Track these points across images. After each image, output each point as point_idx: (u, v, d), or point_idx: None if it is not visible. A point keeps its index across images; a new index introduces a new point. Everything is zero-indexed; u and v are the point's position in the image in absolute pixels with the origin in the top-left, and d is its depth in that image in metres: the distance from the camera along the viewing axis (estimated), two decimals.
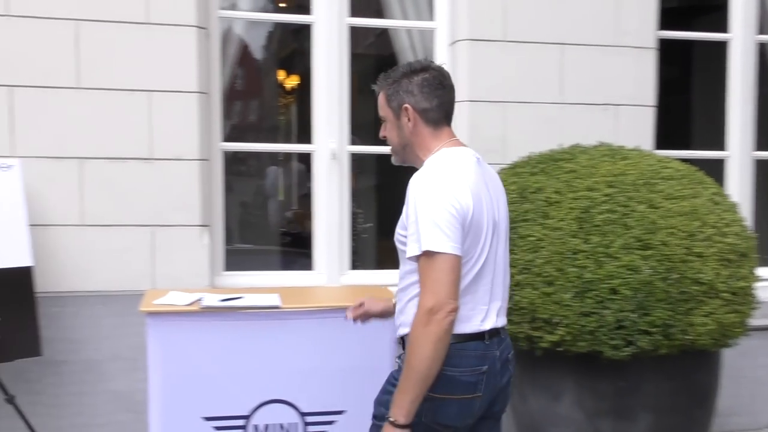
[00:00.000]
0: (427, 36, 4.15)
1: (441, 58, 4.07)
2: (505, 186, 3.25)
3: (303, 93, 6.45)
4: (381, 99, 2.20)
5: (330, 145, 3.95)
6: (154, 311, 2.90)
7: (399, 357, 2.20)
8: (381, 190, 5.43)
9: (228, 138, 4.01)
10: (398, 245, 2.14)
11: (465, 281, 2.04)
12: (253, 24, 4.18)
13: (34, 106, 3.46)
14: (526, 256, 2.95)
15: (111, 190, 3.57)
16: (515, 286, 2.94)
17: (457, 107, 3.88)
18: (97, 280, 3.56)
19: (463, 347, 2.05)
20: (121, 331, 3.58)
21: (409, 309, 2.10)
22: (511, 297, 2.89)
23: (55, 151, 3.49)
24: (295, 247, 6.11)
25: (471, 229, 2.00)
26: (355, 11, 3.99)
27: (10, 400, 3.16)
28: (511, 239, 3.01)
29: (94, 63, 3.49)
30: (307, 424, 3.05)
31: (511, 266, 2.95)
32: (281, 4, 5.04)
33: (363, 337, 3.04)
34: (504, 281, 2.22)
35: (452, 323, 1.95)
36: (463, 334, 2.05)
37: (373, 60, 5.78)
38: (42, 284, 3.35)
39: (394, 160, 2.29)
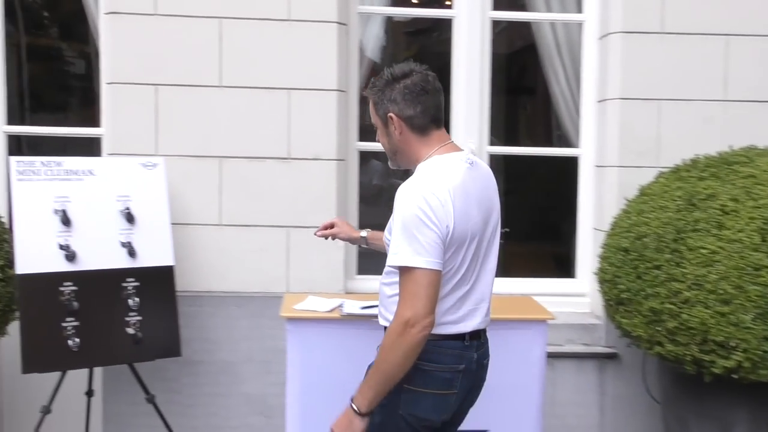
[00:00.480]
0: (573, 29, 3.88)
1: (589, 52, 3.80)
2: (668, 191, 3.00)
3: None
4: (370, 106, 2.20)
5: (469, 146, 3.76)
6: (295, 317, 2.81)
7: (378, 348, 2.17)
8: (518, 194, 5.18)
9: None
10: (386, 243, 2.16)
11: (447, 287, 2.08)
12: (385, 19, 4.03)
13: (178, 104, 3.46)
14: (696, 271, 2.64)
15: (248, 190, 3.53)
16: (683, 303, 2.65)
17: (607, 105, 3.63)
18: (233, 280, 3.53)
19: (440, 345, 2.09)
20: (255, 333, 3.53)
21: (390, 305, 2.14)
22: (677, 315, 2.63)
23: (196, 150, 3.48)
24: None
25: (453, 242, 2.02)
26: (498, 4, 3.78)
27: (151, 399, 3.16)
28: (678, 251, 2.74)
29: (235, 61, 3.46)
30: None
31: (679, 280, 2.69)
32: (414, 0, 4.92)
33: (511, 353, 2.84)
34: (490, 282, 2.23)
35: (425, 337, 1.98)
36: (442, 334, 2.09)
37: (509, 56, 5.52)
38: (180, 283, 3.34)
39: (390, 165, 2.28)
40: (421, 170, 2.10)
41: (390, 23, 4.17)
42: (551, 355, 3.28)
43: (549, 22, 3.90)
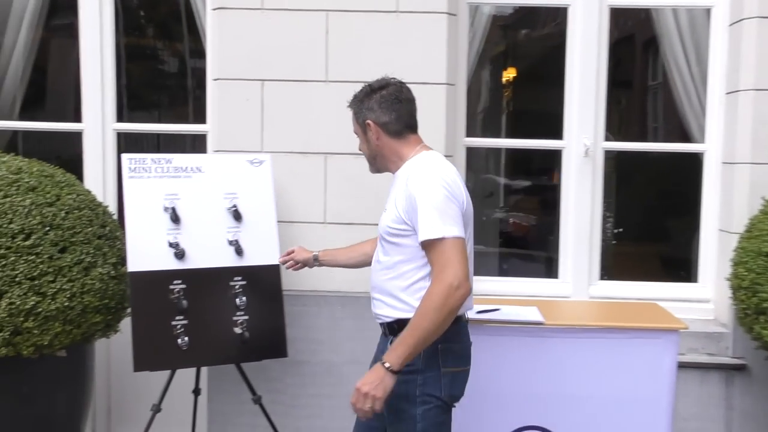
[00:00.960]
0: (699, 16, 3.61)
1: (717, 40, 3.52)
2: None
3: (535, 83, 6.07)
4: (352, 117, 2.43)
5: (583, 141, 3.56)
6: None
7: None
8: (633, 193, 4.90)
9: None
10: (386, 236, 2.28)
11: None
12: (492, 10, 3.86)
13: (284, 100, 3.40)
14: None
15: (352, 187, 3.43)
16: None
17: (738, 97, 3.34)
18: (338, 280, 3.44)
19: (464, 324, 2.32)
20: (359, 334, 3.43)
21: (407, 296, 2.22)
22: None
23: (301, 147, 3.41)
24: (515, 249, 5.76)
25: (465, 218, 2.21)
26: None
27: (257, 400, 3.11)
28: None
29: (342, 55, 3.37)
30: None
31: None
32: None
33: (638, 364, 2.65)
34: None
35: (465, 300, 2.10)
36: (462, 314, 2.27)
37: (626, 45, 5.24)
38: (286, 282, 3.28)
39: (370, 170, 2.47)
40: (418, 162, 2.28)
41: (494, 14, 3.99)
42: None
43: (671, 9, 3.63)
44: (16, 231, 2.55)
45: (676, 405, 3.35)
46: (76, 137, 3.72)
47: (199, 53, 3.76)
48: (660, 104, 4.86)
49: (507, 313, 2.71)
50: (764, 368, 3.28)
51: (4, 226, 2.53)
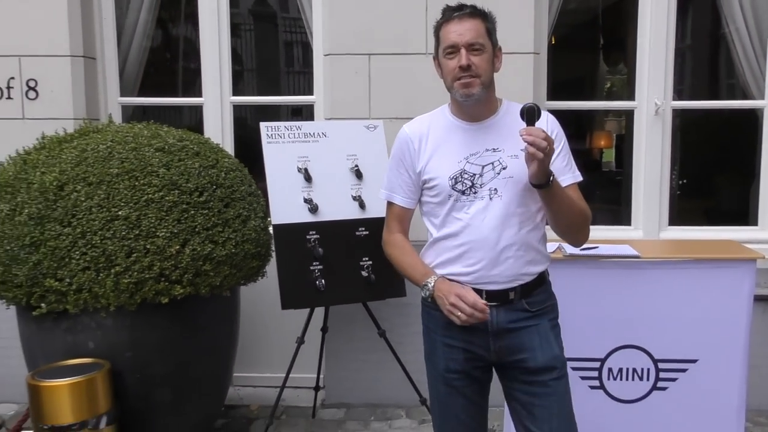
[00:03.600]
0: None
1: None
2: None
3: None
4: (480, 27, 2.13)
5: (654, 101, 3.96)
6: None
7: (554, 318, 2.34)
8: (696, 147, 5.30)
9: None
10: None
11: None
12: None
13: (388, 72, 3.82)
14: None
15: None
16: None
17: None
18: None
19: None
20: None
21: (543, 246, 2.27)
22: None
23: (405, 113, 3.83)
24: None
25: None
26: None
27: (383, 334, 3.58)
28: None
29: None
30: (659, 370, 3.15)
31: None
32: None
33: (719, 289, 3.07)
34: None
35: None
36: None
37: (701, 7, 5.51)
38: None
39: (476, 93, 2.12)
40: (517, 104, 2.11)
41: None
42: None
43: None
44: (192, 189, 3.01)
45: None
46: (194, 110, 4.18)
47: (302, 31, 4.19)
48: (722, 63, 5.21)
49: (606, 249, 3.14)
50: None
51: (183, 185, 2.99)
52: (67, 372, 2.81)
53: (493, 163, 2.16)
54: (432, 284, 2.17)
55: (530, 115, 1.98)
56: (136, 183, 2.92)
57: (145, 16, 4.26)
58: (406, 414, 3.95)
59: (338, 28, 3.84)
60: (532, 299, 2.24)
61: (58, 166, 2.95)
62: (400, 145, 2.29)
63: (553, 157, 2.06)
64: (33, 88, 3.90)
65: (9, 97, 3.91)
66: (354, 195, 3.50)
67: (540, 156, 1.93)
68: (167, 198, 2.93)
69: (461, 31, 2.10)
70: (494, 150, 2.17)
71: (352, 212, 3.49)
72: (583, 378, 3.17)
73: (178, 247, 2.90)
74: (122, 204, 2.87)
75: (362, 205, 3.50)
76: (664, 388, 3.16)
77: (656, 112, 3.97)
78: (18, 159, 3.11)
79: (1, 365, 3.92)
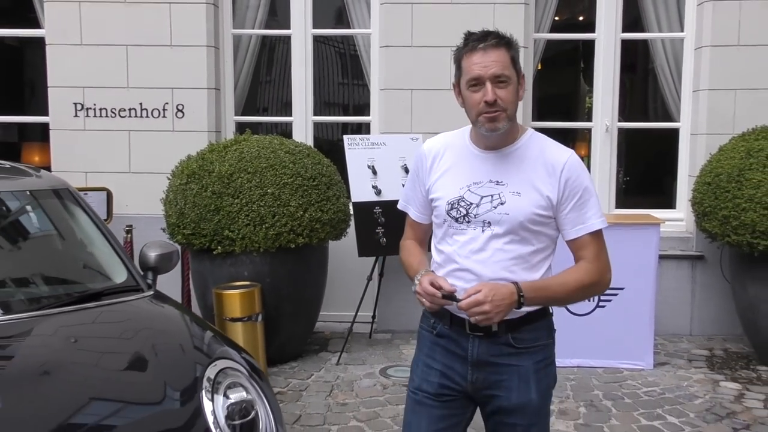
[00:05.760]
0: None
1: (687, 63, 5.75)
2: (735, 148, 4.97)
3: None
4: (506, 58, 2.03)
5: (605, 122, 5.79)
6: None
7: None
8: (635, 155, 7.24)
9: None
10: (528, 224, 2.08)
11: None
12: None
13: (425, 101, 5.64)
14: (749, 192, 4.64)
15: None
16: (741, 210, 4.64)
17: (699, 95, 5.65)
18: None
19: None
20: None
21: (535, 268, 2.15)
22: (738, 217, 4.63)
23: (436, 129, 5.65)
24: None
25: None
26: None
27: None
28: (739, 181, 4.74)
29: None
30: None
31: (739, 198, 4.70)
32: None
33: (639, 241, 4.89)
34: None
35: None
36: None
37: None
38: None
39: (501, 127, 2.06)
40: (541, 138, 2.17)
41: None
42: (661, 257, 5.26)
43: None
44: (309, 177, 4.81)
45: (661, 281, 5.59)
46: (283, 125, 5.99)
47: (360, 75, 6.03)
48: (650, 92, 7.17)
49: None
50: (713, 255, 5.53)
51: (303, 174, 4.79)
52: (236, 288, 4.60)
53: (492, 196, 2.09)
54: (419, 278, 2.10)
55: (449, 298, 2.00)
56: (276, 173, 4.73)
57: (249, 62, 6.08)
58: None
59: (389, 72, 5.67)
60: (520, 336, 2.14)
61: (228, 161, 4.76)
62: (416, 160, 2.29)
63: (564, 208, 2.08)
64: (180, 110, 5.71)
65: (164, 117, 5.71)
66: (403, 183, 5.29)
67: (489, 318, 1.96)
68: (295, 182, 4.74)
69: (486, 62, 2.01)
70: (497, 183, 2.10)
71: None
72: None
73: (301, 212, 4.71)
74: (269, 185, 4.68)
75: None
76: (603, 306, 4.97)
77: (606, 130, 5.81)
78: (197, 157, 4.92)
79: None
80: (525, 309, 2.08)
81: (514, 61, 2.07)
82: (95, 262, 3.19)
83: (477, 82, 2.03)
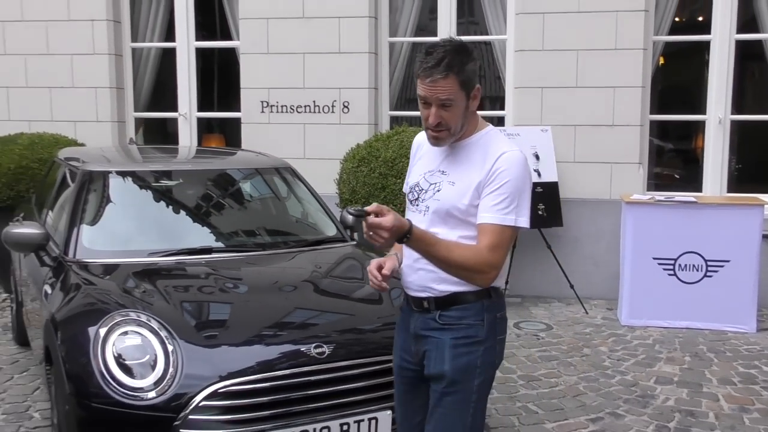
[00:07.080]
0: None
1: None
2: None
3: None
4: (452, 85, 2.18)
5: (718, 115, 6.46)
6: (631, 201, 5.80)
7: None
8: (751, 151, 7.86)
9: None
10: (458, 215, 2.26)
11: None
12: None
13: (555, 98, 6.52)
14: None
15: (586, 145, 6.52)
16: None
17: None
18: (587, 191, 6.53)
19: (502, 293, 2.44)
20: (596, 229, 6.53)
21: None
22: None
23: (560, 122, 6.51)
24: None
25: None
26: None
27: (549, 247, 6.29)
28: None
29: (589, 68, 6.44)
30: (708, 266, 5.69)
31: None
32: None
33: (743, 220, 5.61)
34: None
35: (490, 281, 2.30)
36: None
37: None
38: (562, 191, 6.42)
39: (444, 143, 2.29)
40: (495, 135, 2.33)
41: None
42: (765, 236, 5.87)
43: None
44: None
45: (765, 260, 6.22)
46: None
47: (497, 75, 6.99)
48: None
49: (678, 197, 5.75)
50: None
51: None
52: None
53: (435, 184, 2.30)
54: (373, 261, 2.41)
55: (357, 215, 2.13)
56: None
57: (401, 64, 7.16)
58: (558, 300, 6.63)
59: (522, 74, 6.60)
60: (447, 313, 2.32)
61: (391, 148, 5.86)
62: (411, 150, 2.55)
63: (484, 193, 2.21)
64: (346, 106, 6.87)
65: (332, 112, 6.90)
66: (535, 168, 6.25)
67: (378, 242, 2.11)
68: None
69: (433, 89, 2.18)
70: (442, 172, 2.31)
71: (534, 177, 6.23)
72: (664, 269, 5.76)
73: None
74: None
75: (539, 174, 6.24)
76: (711, 276, 5.71)
77: (719, 122, 6.48)
78: (365, 145, 6.07)
79: None
80: (452, 289, 2.29)
81: (464, 83, 2.21)
82: (313, 220, 4.43)
83: (425, 101, 2.24)
